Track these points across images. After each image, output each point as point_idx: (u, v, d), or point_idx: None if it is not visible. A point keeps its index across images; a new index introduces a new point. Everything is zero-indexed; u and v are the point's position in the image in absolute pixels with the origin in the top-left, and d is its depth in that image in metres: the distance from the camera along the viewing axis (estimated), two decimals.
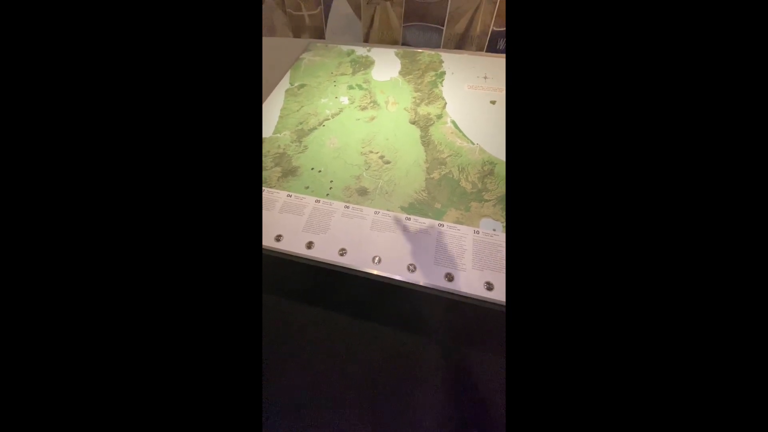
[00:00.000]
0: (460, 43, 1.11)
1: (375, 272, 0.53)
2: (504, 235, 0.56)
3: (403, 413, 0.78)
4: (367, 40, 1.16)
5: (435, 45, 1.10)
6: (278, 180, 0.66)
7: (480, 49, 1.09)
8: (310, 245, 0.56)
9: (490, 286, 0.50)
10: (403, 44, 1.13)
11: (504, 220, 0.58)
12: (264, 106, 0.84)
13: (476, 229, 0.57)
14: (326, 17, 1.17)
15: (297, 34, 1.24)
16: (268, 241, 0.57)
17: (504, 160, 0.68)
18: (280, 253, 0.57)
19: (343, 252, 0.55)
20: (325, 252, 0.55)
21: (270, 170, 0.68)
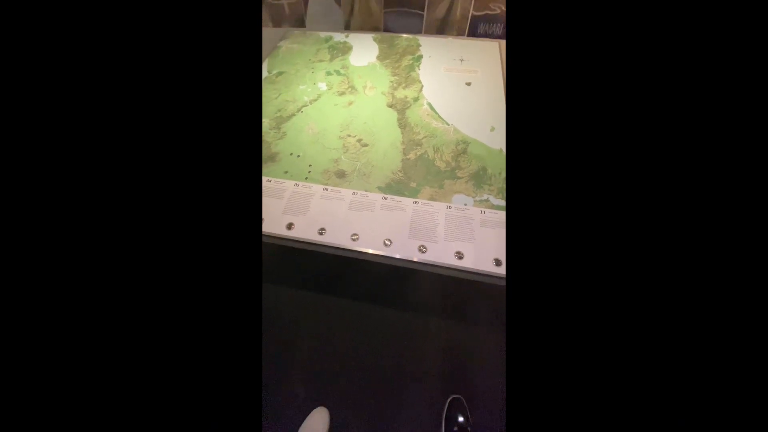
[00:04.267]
0: (441, 28, 1.11)
1: (353, 248, 0.56)
2: (475, 208, 0.59)
3: (387, 392, 0.82)
4: (348, 27, 1.16)
5: (416, 30, 1.10)
6: None
7: (461, 33, 1.09)
8: (290, 226, 0.58)
9: (460, 255, 0.53)
10: (385, 30, 1.13)
11: (474, 194, 0.61)
12: None
13: (449, 205, 0.60)
14: (306, 5, 1.16)
15: (277, 23, 1.23)
16: None
17: (477, 139, 0.71)
18: (263, 236, 0.59)
19: (322, 231, 0.57)
20: (304, 232, 0.57)
21: None
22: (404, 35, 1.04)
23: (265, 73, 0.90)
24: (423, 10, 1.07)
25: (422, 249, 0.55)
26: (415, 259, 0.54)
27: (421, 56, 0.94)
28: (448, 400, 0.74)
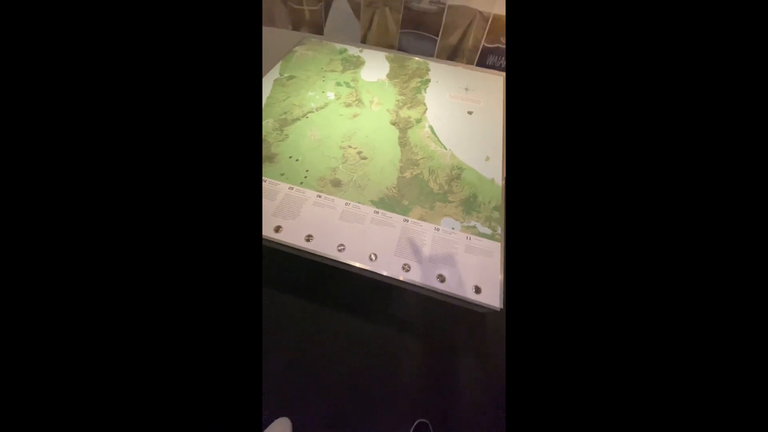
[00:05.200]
0: (452, 55, 1.16)
1: (338, 259, 0.56)
2: (461, 233, 0.61)
3: (354, 399, 0.80)
4: (364, 41, 1.20)
5: (429, 54, 1.15)
6: None
7: (470, 62, 1.14)
8: (278, 229, 0.58)
9: (442, 279, 0.54)
10: (399, 49, 1.17)
11: (463, 219, 0.63)
12: None
13: (437, 227, 0.61)
14: (326, 14, 1.20)
15: (296, 27, 1.26)
16: None
17: (471, 166, 0.73)
18: None
19: (309, 238, 0.58)
20: (292, 236, 0.58)
21: None
22: (416, 58, 1.09)
23: (276, 75, 0.92)
24: (437, 36, 1.13)
25: (406, 267, 0.55)
26: (399, 278, 0.54)
27: (429, 80, 0.98)
28: (415, 423, 0.73)
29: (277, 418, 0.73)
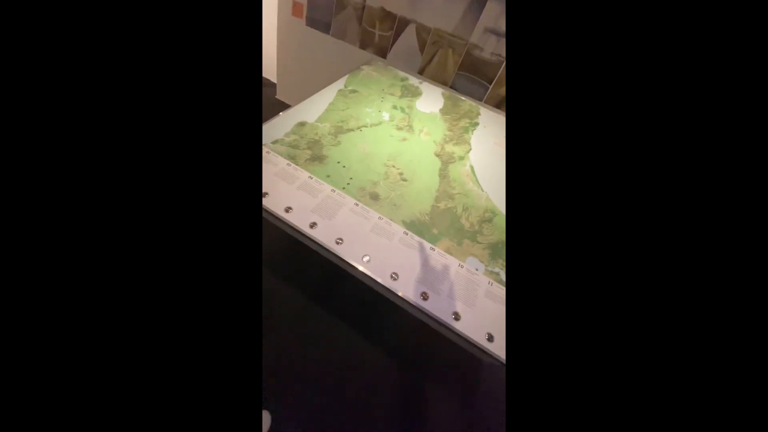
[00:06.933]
0: (500, 104, 1.23)
1: (361, 268, 0.57)
2: (484, 276, 0.61)
3: (338, 404, 0.78)
4: (421, 72, 1.30)
5: (478, 98, 1.23)
6: (305, 161, 0.73)
7: None
8: (313, 225, 0.61)
9: (457, 317, 0.55)
10: (452, 87, 1.26)
11: (488, 263, 0.64)
12: (315, 96, 0.93)
13: (461, 263, 0.62)
14: (393, 42, 1.32)
15: (363, 46, 1.38)
16: (278, 209, 0.62)
17: (505, 213, 0.75)
18: (286, 223, 0.61)
19: (339, 241, 0.60)
20: (324, 236, 0.60)
21: (301, 151, 0.75)
22: (468, 101, 1.16)
23: (341, 86, 1.00)
24: (490, 84, 1.21)
25: (424, 296, 0.56)
26: (415, 304, 0.55)
27: (477, 123, 1.04)
28: None
29: None
